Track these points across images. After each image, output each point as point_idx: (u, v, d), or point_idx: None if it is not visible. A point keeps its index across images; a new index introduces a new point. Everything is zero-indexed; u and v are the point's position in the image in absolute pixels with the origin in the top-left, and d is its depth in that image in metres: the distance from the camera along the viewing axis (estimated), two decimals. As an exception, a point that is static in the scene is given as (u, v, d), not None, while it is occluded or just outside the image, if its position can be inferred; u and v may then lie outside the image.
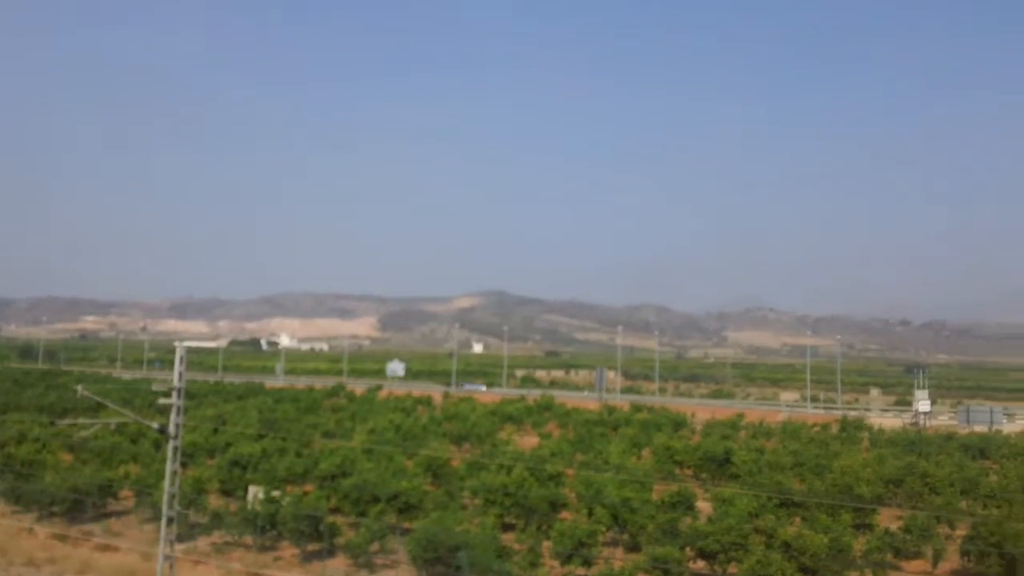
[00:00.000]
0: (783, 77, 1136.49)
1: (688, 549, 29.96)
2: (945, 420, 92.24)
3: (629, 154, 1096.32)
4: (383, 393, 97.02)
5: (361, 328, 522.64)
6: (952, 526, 35.72)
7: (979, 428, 77.47)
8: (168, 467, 25.36)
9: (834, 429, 73.67)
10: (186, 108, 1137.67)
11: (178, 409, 25.37)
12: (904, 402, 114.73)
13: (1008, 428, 78.85)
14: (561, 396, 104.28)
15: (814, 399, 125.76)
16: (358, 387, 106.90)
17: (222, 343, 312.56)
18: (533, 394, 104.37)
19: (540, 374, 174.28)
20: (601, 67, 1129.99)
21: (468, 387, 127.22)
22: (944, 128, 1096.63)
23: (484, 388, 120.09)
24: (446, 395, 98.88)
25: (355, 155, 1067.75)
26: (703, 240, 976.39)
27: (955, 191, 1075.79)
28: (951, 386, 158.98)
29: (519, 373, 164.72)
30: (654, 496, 36.74)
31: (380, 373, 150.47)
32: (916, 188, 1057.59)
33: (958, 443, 62.30)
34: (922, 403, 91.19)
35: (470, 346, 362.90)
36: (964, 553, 31.54)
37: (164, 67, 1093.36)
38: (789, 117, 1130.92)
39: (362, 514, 33.52)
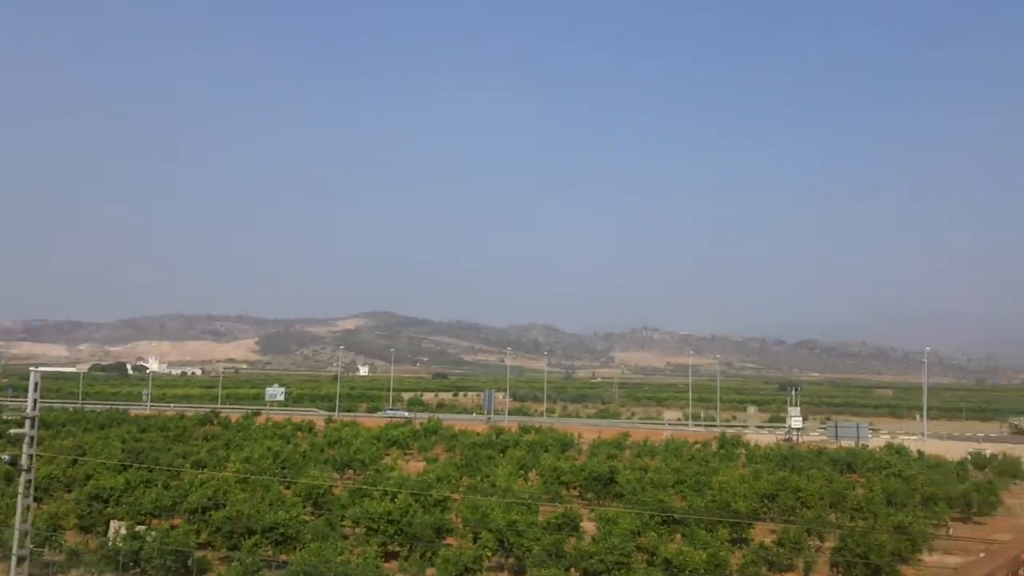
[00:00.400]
0: (644, 94, 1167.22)
1: (573, 570, 30.31)
2: (816, 436, 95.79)
3: (518, 171, 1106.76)
4: (261, 419, 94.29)
5: (238, 351, 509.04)
6: (822, 538, 37.12)
7: (847, 443, 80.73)
8: (20, 502, 23.81)
9: (714, 446, 75.85)
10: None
11: (31, 439, 23.90)
12: (779, 419, 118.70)
13: (873, 443, 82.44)
14: (449, 419, 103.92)
15: (695, 417, 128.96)
16: (234, 413, 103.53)
17: (83, 368, 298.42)
18: (420, 417, 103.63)
19: (428, 396, 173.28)
20: (473, 80, 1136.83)
21: (390, 412, 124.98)
22: (815, 157, 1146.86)
23: (408, 414, 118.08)
24: (328, 420, 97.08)
25: (228, 171, 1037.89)
26: (592, 261, 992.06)
27: (827, 219, 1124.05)
28: (821, 403, 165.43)
29: (406, 396, 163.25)
30: (540, 518, 36.94)
31: (259, 398, 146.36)
32: (789, 215, 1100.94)
33: (828, 458, 64.98)
34: (795, 420, 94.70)
35: (356, 369, 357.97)
36: (833, 564, 32.88)
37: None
38: (668, 136, 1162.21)
39: (235, 547, 32.39)
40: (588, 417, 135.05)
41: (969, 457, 69.83)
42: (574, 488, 51.25)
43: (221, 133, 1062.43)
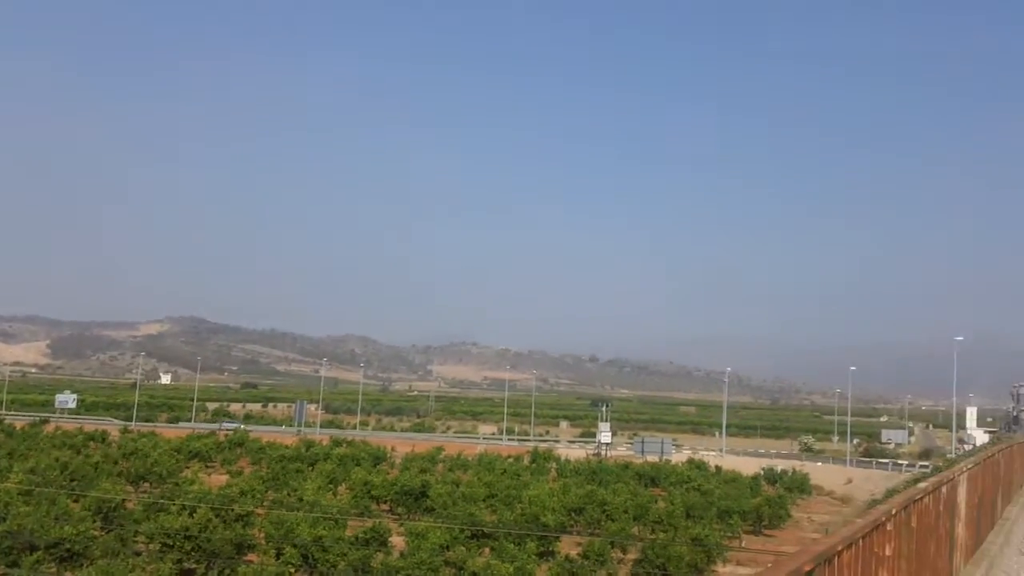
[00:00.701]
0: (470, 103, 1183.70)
1: (378, 585, 29.69)
2: (623, 451, 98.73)
3: (343, 182, 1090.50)
4: (49, 427, 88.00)
5: (27, 354, 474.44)
6: (624, 551, 38.05)
7: (651, 458, 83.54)
8: None
9: (526, 460, 76.88)
10: None
11: None
12: (589, 434, 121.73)
13: (676, 458, 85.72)
14: (257, 431, 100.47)
15: (510, 431, 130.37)
16: (19, 421, 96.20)
17: None
18: (226, 428, 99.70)
19: (235, 407, 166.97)
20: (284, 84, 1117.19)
21: (228, 425, 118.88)
22: (629, 178, 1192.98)
23: (242, 426, 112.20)
24: (124, 430, 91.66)
25: (15, 159, 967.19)
26: (412, 272, 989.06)
27: (637, 242, 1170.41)
28: (630, 419, 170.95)
29: (211, 406, 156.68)
30: (348, 533, 36.04)
31: (48, 405, 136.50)
32: (603, 236, 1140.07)
33: (633, 472, 67.08)
34: (604, 435, 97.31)
35: (157, 376, 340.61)
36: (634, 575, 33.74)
37: None
38: (494, 144, 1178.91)
39: (14, 564, 29.87)
40: (403, 430, 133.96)
41: (762, 472, 73.64)
42: (385, 502, 50.45)
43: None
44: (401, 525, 40.17)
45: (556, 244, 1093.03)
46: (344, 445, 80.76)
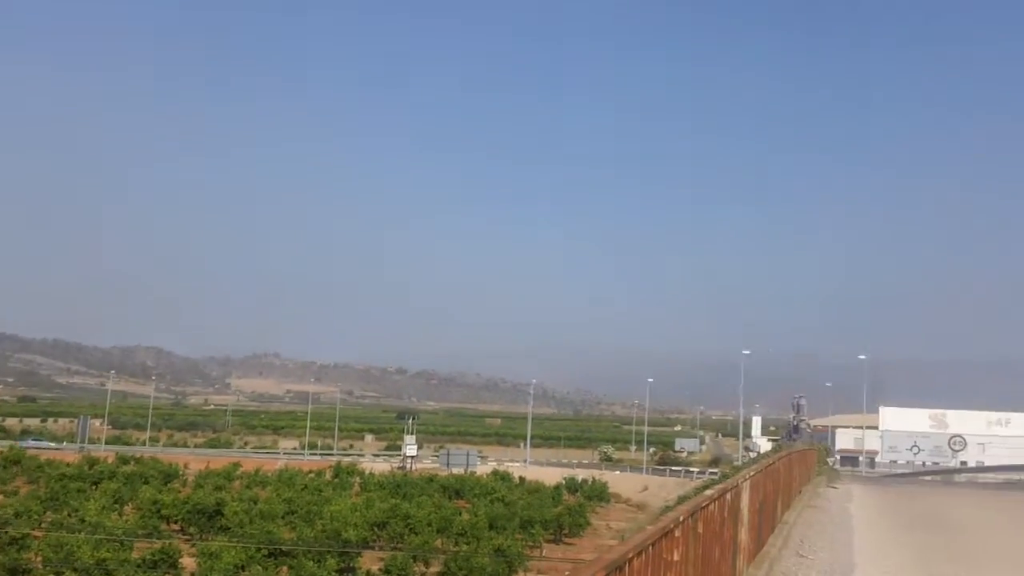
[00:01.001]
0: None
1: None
2: (429, 463, 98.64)
3: (133, 181, 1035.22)
4: None
5: None
6: (427, 564, 37.89)
7: (457, 470, 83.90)
8: None
9: (329, 475, 75.34)
10: None
11: None
12: (395, 447, 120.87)
13: (481, 469, 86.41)
14: (34, 448, 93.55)
15: (312, 446, 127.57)
16: None
17: None
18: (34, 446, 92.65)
19: (11, 423, 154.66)
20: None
21: (33, 443, 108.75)
22: (427, 190, 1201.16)
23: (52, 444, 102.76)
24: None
25: None
26: (208, 280, 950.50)
27: (442, 253, 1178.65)
28: (437, 431, 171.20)
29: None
30: (135, 555, 34.09)
31: None
32: (410, 247, 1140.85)
33: (438, 484, 67.06)
34: (410, 447, 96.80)
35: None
36: (437, 589, 33.62)
37: None
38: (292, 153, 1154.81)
39: None
40: (196, 447, 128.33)
41: (564, 482, 75.38)
42: (175, 522, 47.97)
43: None
44: (193, 546, 38.36)
45: (364, 254, 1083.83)
46: (132, 462, 76.57)
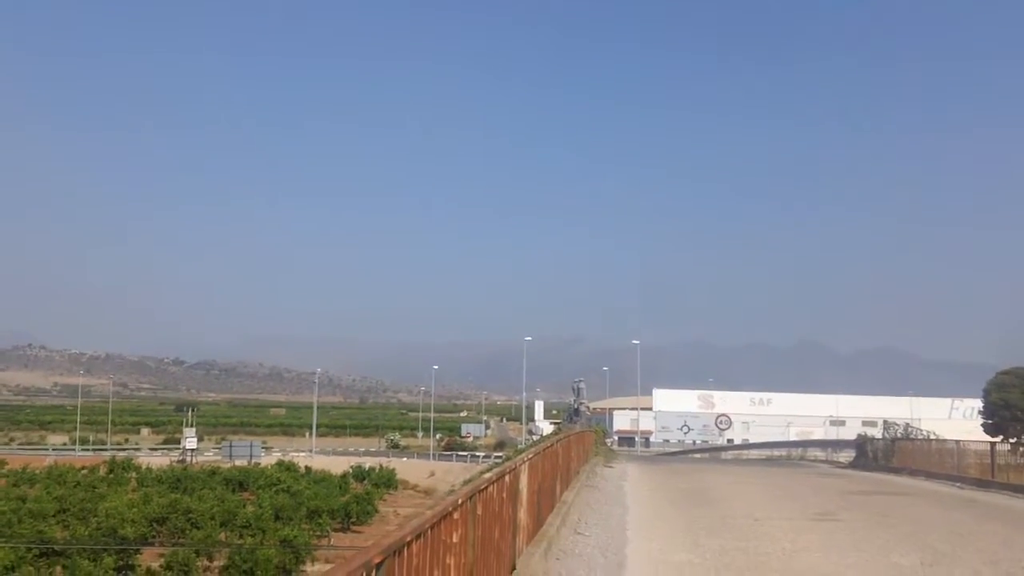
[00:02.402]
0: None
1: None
2: (211, 456, 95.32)
3: None
4: None
5: None
6: (211, 558, 36.78)
7: (240, 462, 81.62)
8: None
9: (103, 471, 71.37)
10: None
11: None
12: (174, 440, 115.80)
13: (266, 460, 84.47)
14: None
15: (84, 441, 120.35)
16: None
17: None
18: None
19: None
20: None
21: None
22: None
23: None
24: None
25: None
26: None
27: (241, 238, 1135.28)
28: (218, 423, 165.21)
29: None
30: None
31: None
32: (203, 233, 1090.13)
33: (221, 477, 65.06)
34: (190, 440, 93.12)
35: None
36: (220, 584, 32.71)
37: None
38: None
39: None
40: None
41: (351, 470, 74.93)
42: (-72, 526, 44.00)
43: None
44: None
45: (134, 242, 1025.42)
46: None
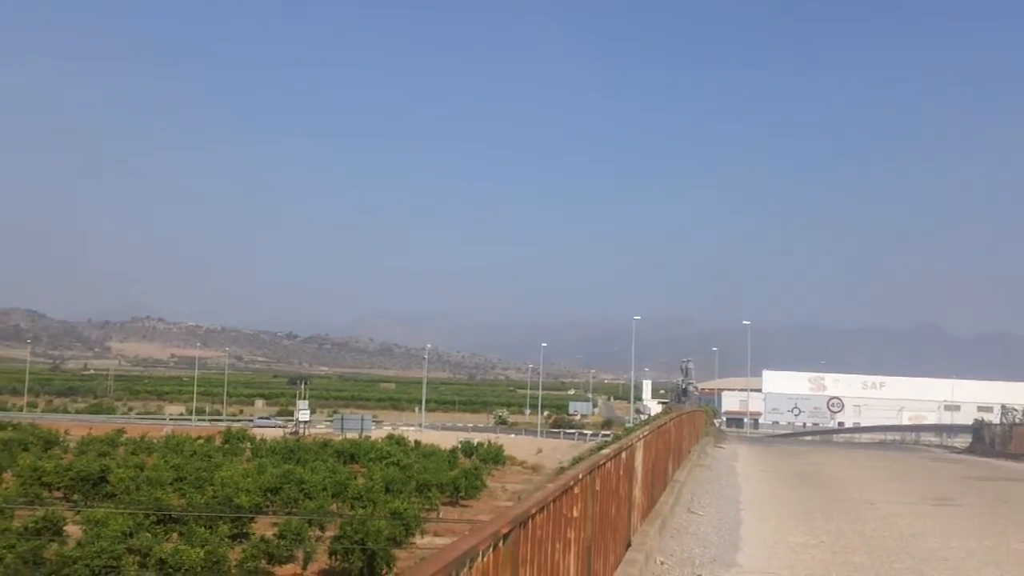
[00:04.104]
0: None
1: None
2: (322, 428, 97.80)
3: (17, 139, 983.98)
4: None
5: None
6: (323, 528, 37.73)
7: (351, 435, 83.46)
8: None
9: (218, 441, 73.87)
10: None
11: None
12: (287, 412, 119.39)
13: (376, 434, 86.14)
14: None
15: (200, 412, 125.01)
16: None
17: None
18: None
19: None
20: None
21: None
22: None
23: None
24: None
25: None
26: (85, 241, 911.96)
27: (341, 220, 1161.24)
28: (330, 396, 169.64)
29: None
30: (16, 523, 32.96)
31: None
32: (294, 212, 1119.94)
33: (333, 449, 66.61)
34: (302, 412, 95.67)
35: None
36: (332, 553, 33.53)
37: None
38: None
39: None
40: (78, 412, 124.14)
41: (459, 445, 75.82)
42: (58, 490, 46.50)
43: None
44: (78, 513, 37.26)
45: (252, 218, 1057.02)
46: (9, 428, 73.53)
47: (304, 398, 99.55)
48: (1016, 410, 46.90)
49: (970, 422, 54.15)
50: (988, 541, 13.05)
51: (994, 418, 47.66)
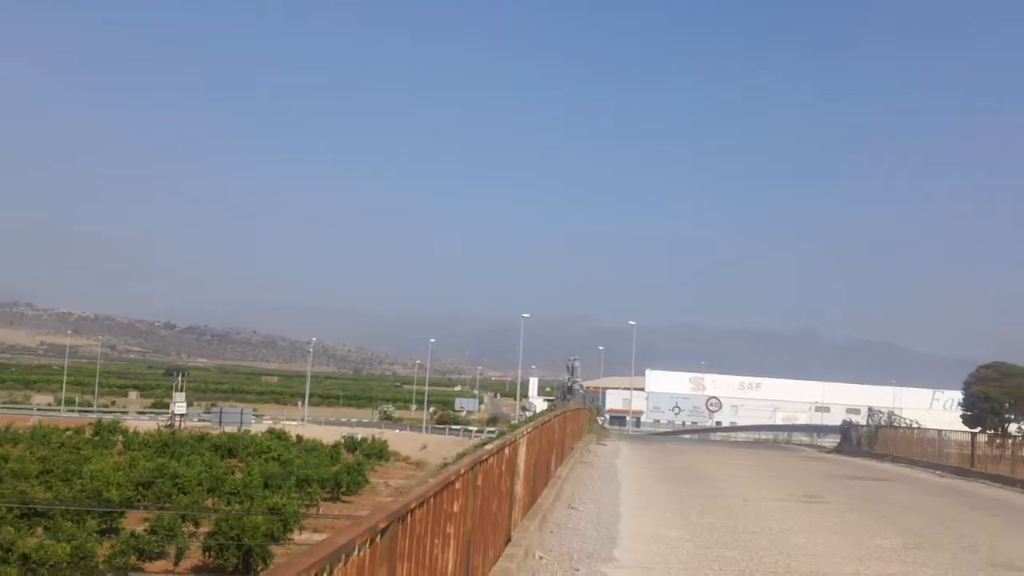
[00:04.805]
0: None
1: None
2: (200, 421, 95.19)
3: None
4: None
5: None
6: (197, 523, 36.75)
7: (230, 429, 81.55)
8: None
9: (88, 433, 71.24)
10: None
11: None
12: (163, 404, 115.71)
13: (256, 428, 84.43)
14: None
15: (70, 402, 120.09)
16: None
17: None
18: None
19: None
20: None
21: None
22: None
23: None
24: None
25: None
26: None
27: (235, 205, 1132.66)
28: (208, 389, 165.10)
29: None
30: None
31: None
32: (204, 196, 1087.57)
33: (210, 443, 64.99)
34: (179, 405, 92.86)
35: None
36: (206, 549, 32.70)
37: None
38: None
39: None
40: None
41: (343, 441, 74.99)
42: (-87, 481, 43.93)
43: None
44: (-67, 507, 35.29)
45: (130, 199, 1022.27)
46: None
47: (181, 390, 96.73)
48: (882, 412, 49.11)
49: (839, 423, 56.44)
50: (852, 537, 13.62)
51: (861, 419, 49.80)
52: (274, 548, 33.40)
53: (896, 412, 50.84)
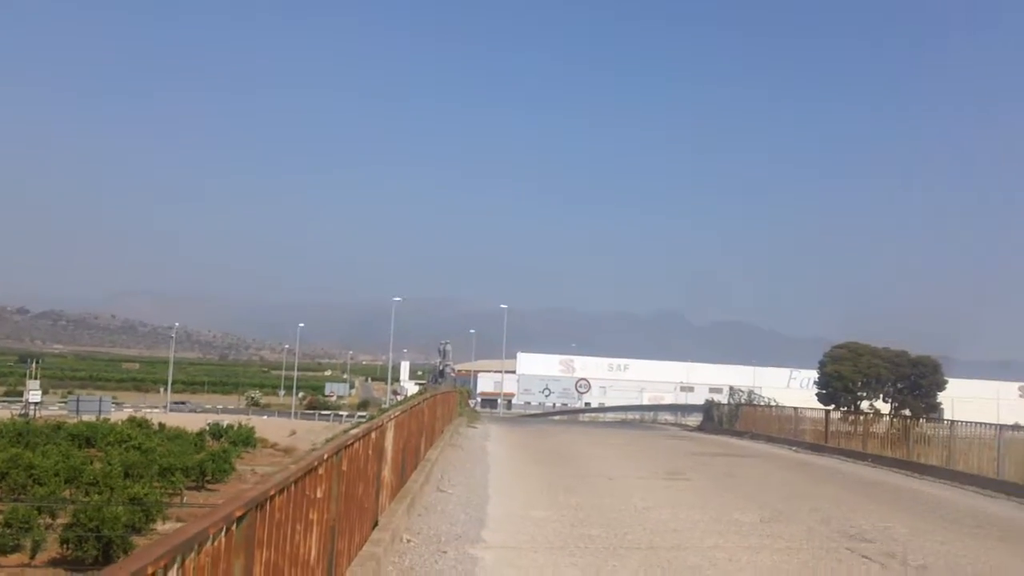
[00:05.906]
0: None
1: None
2: (56, 410, 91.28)
3: None
4: None
5: None
6: (54, 515, 35.30)
7: (88, 417, 78.44)
8: None
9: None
10: None
11: None
12: (16, 393, 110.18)
13: (116, 416, 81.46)
14: None
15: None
16: None
17: None
18: None
19: None
20: None
21: None
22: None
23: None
24: None
25: None
26: None
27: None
28: (65, 376, 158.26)
29: None
30: None
31: None
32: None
33: (67, 432, 62.41)
34: (33, 393, 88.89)
35: None
36: (64, 541, 31.48)
37: None
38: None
39: None
40: None
41: (207, 428, 73.13)
42: None
43: None
44: None
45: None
46: None
47: (35, 377, 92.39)
48: (743, 391, 50.99)
49: (702, 402, 58.32)
50: (712, 512, 14.20)
51: (723, 399, 51.62)
52: (136, 539, 32.35)
53: (756, 391, 52.85)
